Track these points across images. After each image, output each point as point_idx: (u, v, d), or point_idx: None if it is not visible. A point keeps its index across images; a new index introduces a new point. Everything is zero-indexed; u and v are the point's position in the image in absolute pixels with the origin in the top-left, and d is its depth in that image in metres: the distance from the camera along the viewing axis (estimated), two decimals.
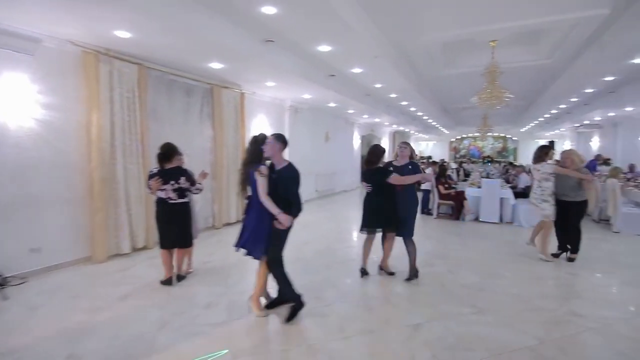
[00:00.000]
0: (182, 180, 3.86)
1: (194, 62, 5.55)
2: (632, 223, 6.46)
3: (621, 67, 6.78)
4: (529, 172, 10.66)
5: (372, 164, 4.07)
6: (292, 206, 3.03)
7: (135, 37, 4.33)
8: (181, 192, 3.87)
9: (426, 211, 8.55)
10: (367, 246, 4.25)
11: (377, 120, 14.52)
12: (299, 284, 3.87)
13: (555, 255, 5.02)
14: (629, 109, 10.45)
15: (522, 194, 8.21)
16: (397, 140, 22.19)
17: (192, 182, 3.97)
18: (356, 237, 6.63)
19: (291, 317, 3.12)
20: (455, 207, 7.93)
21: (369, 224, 4.10)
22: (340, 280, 4.15)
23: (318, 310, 3.32)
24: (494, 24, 5.41)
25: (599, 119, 13.34)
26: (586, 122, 14.40)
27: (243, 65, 5.79)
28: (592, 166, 9.57)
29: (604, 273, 4.47)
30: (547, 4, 4.73)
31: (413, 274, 4.09)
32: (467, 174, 13.27)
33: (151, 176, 3.81)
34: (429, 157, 20.15)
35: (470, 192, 7.98)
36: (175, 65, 5.73)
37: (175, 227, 3.89)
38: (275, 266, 3.13)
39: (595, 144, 15.99)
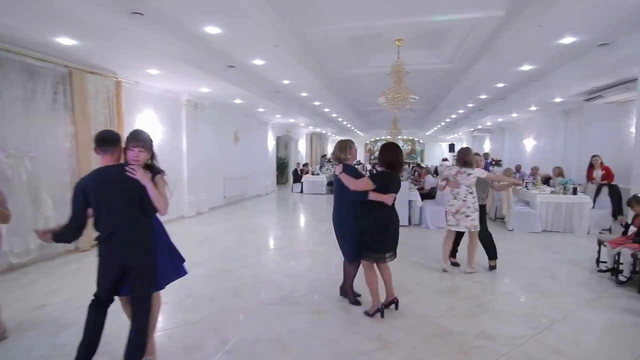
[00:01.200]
0: None
1: (32, 35, 4.15)
2: (523, 221, 6.88)
3: (510, 74, 7.22)
4: (435, 174, 11.12)
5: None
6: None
7: None
8: None
9: None
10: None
11: (291, 120, 13.92)
12: (168, 327, 2.90)
13: (457, 264, 4.81)
14: (514, 115, 11.61)
15: (428, 195, 8.35)
16: (314, 142, 21.93)
17: None
18: (257, 252, 5.81)
19: None
20: None
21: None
22: (223, 317, 3.30)
23: None
24: (394, 19, 5.15)
25: (490, 124, 14.78)
26: (480, 126, 15.87)
27: (106, 44, 4.55)
28: (485, 166, 10.28)
29: (505, 277, 4.42)
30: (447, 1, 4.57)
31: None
32: None
33: None
34: None
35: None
36: (5, 38, 4.25)
37: None
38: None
39: (487, 146, 17.86)
